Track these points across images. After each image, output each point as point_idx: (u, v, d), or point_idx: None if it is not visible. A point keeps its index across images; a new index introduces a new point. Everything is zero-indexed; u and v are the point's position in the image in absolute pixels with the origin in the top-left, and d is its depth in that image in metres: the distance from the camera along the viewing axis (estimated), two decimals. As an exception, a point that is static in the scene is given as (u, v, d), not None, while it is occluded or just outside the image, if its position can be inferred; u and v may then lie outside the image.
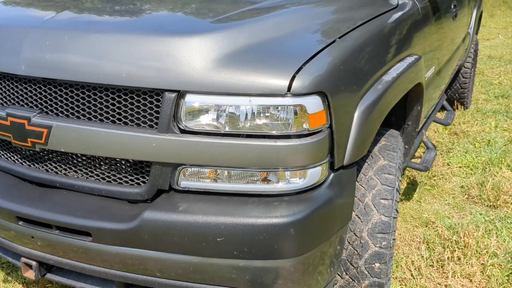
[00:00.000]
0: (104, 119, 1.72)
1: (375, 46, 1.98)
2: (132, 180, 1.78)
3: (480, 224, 3.17)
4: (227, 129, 1.60)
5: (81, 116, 1.75)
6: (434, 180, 3.86)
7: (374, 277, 2.03)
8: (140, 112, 1.68)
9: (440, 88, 3.66)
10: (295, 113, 1.57)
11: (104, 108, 1.71)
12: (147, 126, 1.68)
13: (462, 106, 5.61)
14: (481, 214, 3.31)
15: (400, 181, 2.18)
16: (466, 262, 2.72)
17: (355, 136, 1.75)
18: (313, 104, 1.58)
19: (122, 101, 1.69)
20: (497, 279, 2.61)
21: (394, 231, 2.07)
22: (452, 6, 3.53)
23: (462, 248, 2.83)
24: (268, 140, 1.58)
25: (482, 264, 2.71)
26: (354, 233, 2.01)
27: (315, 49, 1.69)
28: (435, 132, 4.99)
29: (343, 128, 1.72)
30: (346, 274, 2.07)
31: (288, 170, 1.63)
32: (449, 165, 4.15)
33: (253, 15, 1.92)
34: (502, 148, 4.49)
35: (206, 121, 1.62)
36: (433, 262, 2.76)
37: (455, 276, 2.63)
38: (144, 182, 1.76)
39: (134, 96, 1.67)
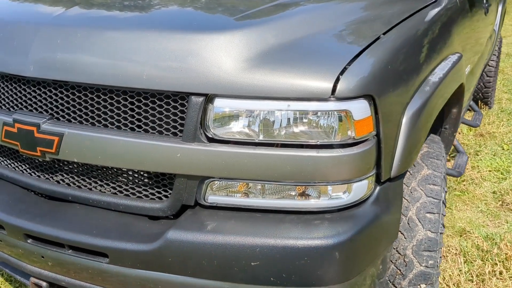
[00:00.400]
0: (122, 126, 1.54)
1: (419, 44, 1.78)
2: (153, 194, 1.60)
3: (518, 234, 2.95)
4: (261, 137, 1.41)
5: (96, 123, 1.57)
6: (464, 185, 3.65)
7: (419, 299, 1.84)
8: (163, 118, 1.49)
9: (472, 88, 3.45)
10: (340, 120, 1.38)
11: (122, 113, 1.53)
12: (170, 134, 1.49)
13: (486, 106, 5.39)
14: (518, 223, 3.09)
15: (446, 192, 1.98)
16: (509, 277, 2.51)
17: (403, 145, 1.56)
18: (360, 109, 1.39)
19: (142, 106, 1.50)
20: (544, 296, 2.40)
21: (441, 248, 1.87)
22: (484, 1, 3.32)
23: (503, 261, 2.62)
24: (309, 151, 1.39)
25: (526, 279, 2.51)
26: (397, 251, 1.82)
27: (359, 47, 1.49)
28: (459, 133, 4.77)
29: (390, 136, 1.52)
30: (387, 295, 1.87)
31: (330, 184, 1.43)
32: (478, 168, 3.93)
33: (283, 10, 1.73)
34: (533, 151, 4.26)
35: (237, 128, 1.43)
36: (472, 277, 2.56)
37: (498, 292, 2.43)
38: (166, 196, 1.58)
39: (156, 101, 1.48)
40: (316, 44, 1.51)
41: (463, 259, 2.69)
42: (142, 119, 1.51)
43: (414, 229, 1.82)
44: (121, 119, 1.53)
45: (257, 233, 1.41)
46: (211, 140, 1.45)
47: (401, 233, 1.81)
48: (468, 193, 3.53)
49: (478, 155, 4.19)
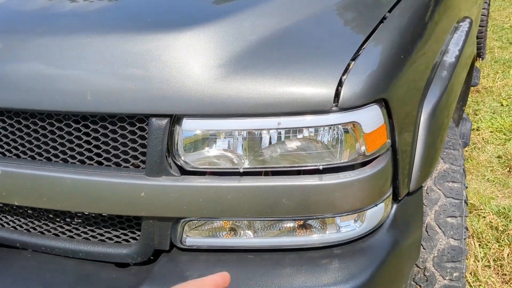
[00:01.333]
0: (68, 158, 1.21)
1: (428, 17, 1.45)
2: (118, 237, 1.29)
3: (532, 205, 2.72)
4: (246, 164, 1.10)
5: (36, 157, 1.23)
6: (466, 151, 3.39)
7: (444, 316, 1.58)
8: (118, 147, 1.16)
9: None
10: (346, 134, 1.06)
11: (66, 144, 1.20)
12: (130, 167, 1.17)
13: (479, 58, 5.08)
14: (530, 192, 2.85)
15: (467, 187, 1.70)
16: (531, 261, 2.28)
17: (423, 149, 1.25)
18: (372, 117, 1.07)
19: (91, 133, 1.17)
20: None
21: (466, 256, 1.60)
22: None
23: (522, 243, 2.38)
24: (309, 178, 1.08)
25: (549, 260, 2.28)
26: (416, 265, 1.54)
27: (362, 34, 1.16)
28: (454, 90, 4.49)
29: (407, 142, 1.21)
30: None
31: (339, 216, 1.13)
32: (478, 130, 3.66)
33: None
34: (533, 104, 4.01)
35: (215, 153, 1.11)
36: (489, 262, 2.32)
37: (520, 279, 2.19)
38: (135, 238, 1.27)
39: (108, 125, 1.15)
40: (306, 36, 1.17)
41: (478, 243, 2.45)
42: (93, 149, 1.18)
43: (434, 238, 1.54)
44: (66, 151, 1.20)
45: (251, 285, 1.11)
46: (183, 171, 1.13)
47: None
48: (472, 160, 3.28)
49: (477, 115, 3.92)
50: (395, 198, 1.23)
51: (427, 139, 1.26)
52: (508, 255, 2.32)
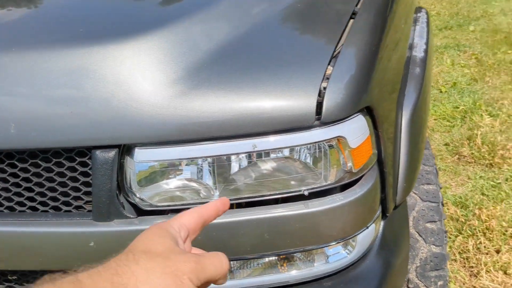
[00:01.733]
0: (-8, 207, 0.97)
1: (394, 10, 1.32)
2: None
3: (486, 191, 2.71)
4: (216, 196, 0.92)
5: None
6: (414, 141, 3.37)
7: (431, 327, 1.48)
8: (56, 188, 0.95)
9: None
10: (331, 151, 0.91)
11: (-12, 189, 0.96)
12: (73, 211, 0.96)
13: (412, 46, 5.15)
14: (481, 178, 2.85)
15: (441, 188, 1.61)
16: (495, 250, 2.25)
17: (407, 156, 1.12)
18: (358, 130, 0.92)
19: (19, 173, 0.94)
20: (534, 265, 2.16)
21: (448, 261, 1.51)
22: None
23: (484, 232, 2.35)
24: (294, 206, 0.92)
25: (512, 248, 2.26)
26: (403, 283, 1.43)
27: (333, 34, 1.01)
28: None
29: (391, 151, 1.08)
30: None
31: (327, 246, 0.98)
32: (422, 119, 3.67)
33: None
34: (470, 89, 4.07)
35: (177, 185, 0.93)
36: (455, 256, 2.27)
37: (488, 271, 2.16)
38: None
39: (39, 163, 0.93)
40: (271, 40, 1.00)
41: (442, 237, 2.40)
42: (24, 192, 0.96)
43: (415, 247, 1.43)
44: (-12, 198, 0.97)
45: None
46: (140, 211, 0.93)
47: (402, 256, 1.42)
48: (421, 150, 3.26)
49: (419, 104, 3.93)
50: (383, 215, 1.10)
51: (409, 145, 1.13)
52: (472, 247, 2.29)
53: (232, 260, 0.98)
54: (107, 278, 0.55)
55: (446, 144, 3.30)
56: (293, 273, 1.00)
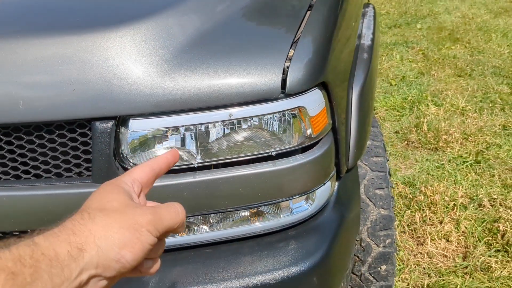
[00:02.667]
0: (0, 175, 1.11)
1: (345, 4, 1.53)
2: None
3: (431, 172, 2.99)
4: (199, 159, 1.09)
5: (-40, 177, 1.12)
6: (367, 129, 3.63)
7: (381, 281, 1.70)
8: (58, 156, 1.10)
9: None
10: (294, 119, 1.10)
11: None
12: (74, 176, 1.11)
13: (364, 43, 5.44)
14: (427, 160, 3.13)
15: (388, 160, 1.83)
16: (439, 221, 2.52)
17: (356, 127, 1.33)
18: (315, 101, 1.12)
19: (25, 144, 1.09)
20: (472, 233, 2.44)
21: (395, 222, 1.73)
22: None
23: (429, 207, 2.62)
24: (263, 165, 1.11)
25: (453, 219, 2.53)
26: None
27: (295, 22, 1.20)
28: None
29: (343, 123, 1.28)
30: (349, 285, 1.71)
31: (291, 199, 1.17)
32: (375, 110, 3.93)
33: None
34: (417, 82, 4.39)
35: (164, 151, 1.09)
36: (404, 228, 2.52)
37: (432, 239, 2.41)
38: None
39: (44, 135, 1.08)
40: (241, 29, 1.19)
41: (392, 212, 2.65)
42: (29, 161, 1.10)
43: (366, 210, 1.65)
44: (-2, 167, 1.11)
45: (214, 278, 1.12)
46: (133, 173, 1.09)
47: (355, 218, 1.63)
48: (373, 138, 3.51)
49: (371, 96, 4.20)
50: (338, 176, 1.30)
51: (359, 118, 1.34)
52: (419, 219, 2.54)
53: (212, 214, 1.16)
54: (64, 238, 0.54)
55: (396, 132, 3.57)
56: (263, 224, 1.19)
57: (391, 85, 4.39)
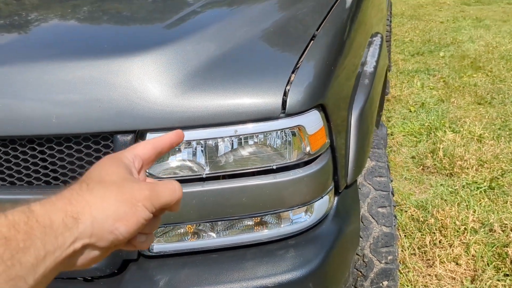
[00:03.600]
0: (33, 181, 1.26)
1: (348, 33, 1.66)
2: (85, 252, 1.35)
3: (445, 196, 3.04)
4: (207, 170, 1.22)
5: (0, 182, 1.28)
6: (384, 154, 3.71)
7: (383, 296, 1.78)
8: (84, 165, 1.24)
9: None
10: (294, 137, 1.22)
11: (31, 167, 1.25)
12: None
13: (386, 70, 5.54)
14: (442, 185, 3.19)
15: (392, 180, 1.92)
16: (449, 245, 2.57)
17: (355, 147, 1.44)
18: (313, 121, 1.24)
19: (56, 154, 1.24)
20: (482, 257, 2.48)
21: (397, 240, 1.81)
22: (381, -29, 3.31)
23: (440, 230, 2.67)
24: (265, 177, 1.23)
25: (464, 243, 2.58)
26: (356, 253, 1.73)
27: (297, 50, 1.33)
28: (367, 101, 4.87)
29: (342, 141, 1.40)
30: (352, 299, 1.79)
31: (291, 209, 1.28)
32: (392, 135, 4.02)
33: (197, 19, 1.52)
34: (436, 109, 4.45)
35: (177, 163, 1.23)
36: (414, 250, 2.58)
37: (442, 262, 2.47)
38: (102, 252, 1.34)
39: (72, 145, 1.23)
40: (250, 54, 1.33)
41: (403, 234, 2.72)
42: (58, 169, 1.25)
43: (369, 227, 1.74)
44: (31, 173, 1.26)
45: (219, 280, 1.23)
46: (149, 182, 1.23)
47: (358, 234, 1.72)
48: (389, 162, 3.59)
49: (390, 121, 4.29)
50: (336, 191, 1.41)
51: (357, 139, 1.45)
52: (429, 242, 2.60)
53: (218, 221, 1.28)
54: (61, 207, 0.55)
55: (413, 157, 3.64)
56: (265, 233, 1.30)
57: (410, 111, 4.47)
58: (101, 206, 0.56)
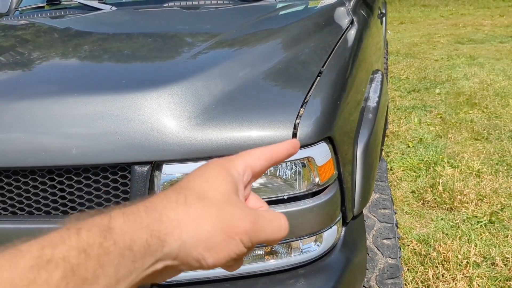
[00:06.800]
0: (51, 211, 1.30)
1: (352, 70, 1.74)
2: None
3: (446, 230, 3.08)
4: (220, 200, 1.26)
5: (18, 212, 1.31)
6: (384, 189, 3.75)
7: (389, 328, 1.79)
8: (101, 195, 1.29)
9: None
10: (304, 168, 1.27)
11: (49, 196, 1.29)
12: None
13: (384, 106, 5.65)
14: (442, 219, 3.22)
15: (396, 213, 1.97)
16: (452, 278, 2.58)
17: (361, 179, 1.49)
18: (322, 153, 1.30)
19: (74, 184, 1.28)
20: (485, 290, 2.49)
21: (402, 272, 1.84)
22: (379, 12, 3.45)
23: (442, 263, 2.69)
24: (276, 207, 1.27)
25: (466, 276, 2.59)
26: (362, 284, 1.75)
27: (306, 86, 1.40)
28: (366, 136, 4.94)
29: (348, 173, 1.45)
30: (359, 331, 1.80)
31: (301, 239, 1.32)
32: (392, 170, 4.07)
33: (223, 51, 1.60)
34: (434, 144, 4.53)
35: (191, 194, 1.27)
36: (418, 284, 2.60)
37: (445, 295, 2.48)
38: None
39: (91, 176, 1.27)
40: (261, 90, 1.40)
41: (406, 268, 2.73)
42: (76, 199, 1.29)
43: (375, 259, 1.77)
44: (49, 203, 1.30)
45: (231, 308, 1.26)
46: (164, 211, 1.27)
47: (364, 266, 1.75)
48: (390, 197, 3.63)
49: (389, 156, 4.36)
50: (344, 221, 1.45)
51: (363, 171, 1.50)
52: (432, 275, 2.61)
53: (231, 250, 1.31)
54: (147, 224, 0.47)
55: (413, 192, 3.68)
56: (275, 262, 1.33)
57: (409, 146, 4.54)
58: (193, 230, 0.49)
